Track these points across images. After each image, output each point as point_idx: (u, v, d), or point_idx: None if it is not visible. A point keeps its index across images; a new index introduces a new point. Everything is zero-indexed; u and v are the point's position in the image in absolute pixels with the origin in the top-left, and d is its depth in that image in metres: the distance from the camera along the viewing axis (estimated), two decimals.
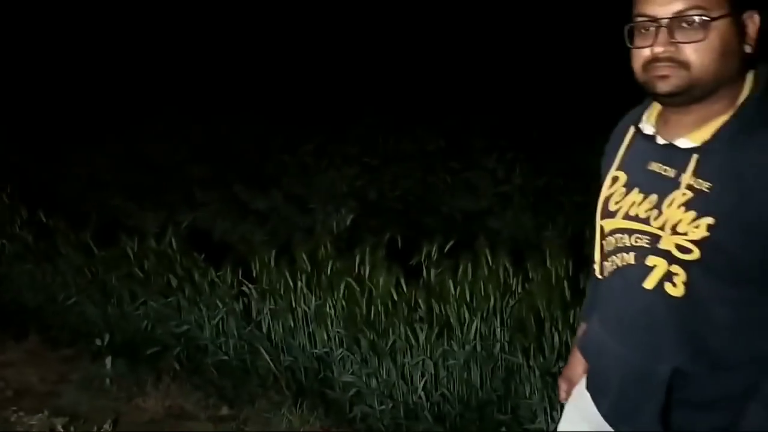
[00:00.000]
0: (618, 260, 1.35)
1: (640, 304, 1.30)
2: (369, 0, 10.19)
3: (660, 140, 1.32)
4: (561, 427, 1.63)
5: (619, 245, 1.34)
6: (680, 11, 1.20)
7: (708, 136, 1.23)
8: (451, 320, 3.12)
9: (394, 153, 7.03)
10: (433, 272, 3.47)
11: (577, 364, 1.64)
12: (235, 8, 11.08)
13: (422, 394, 3.10)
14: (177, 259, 3.85)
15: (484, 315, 3.11)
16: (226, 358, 3.64)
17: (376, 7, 10.24)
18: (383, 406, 3.17)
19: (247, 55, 10.65)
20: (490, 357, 3.08)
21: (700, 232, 1.20)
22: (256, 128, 8.47)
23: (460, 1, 9.81)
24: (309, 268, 3.53)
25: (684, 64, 1.21)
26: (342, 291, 3.37)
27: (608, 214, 1.37)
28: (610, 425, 1.43)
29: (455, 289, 3.17)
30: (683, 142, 1.27)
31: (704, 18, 1.19)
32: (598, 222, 1.41)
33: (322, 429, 3.08)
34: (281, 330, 3.57)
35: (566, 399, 1.65)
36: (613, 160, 1.41)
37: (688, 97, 1.24)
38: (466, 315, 3.09)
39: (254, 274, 3.67)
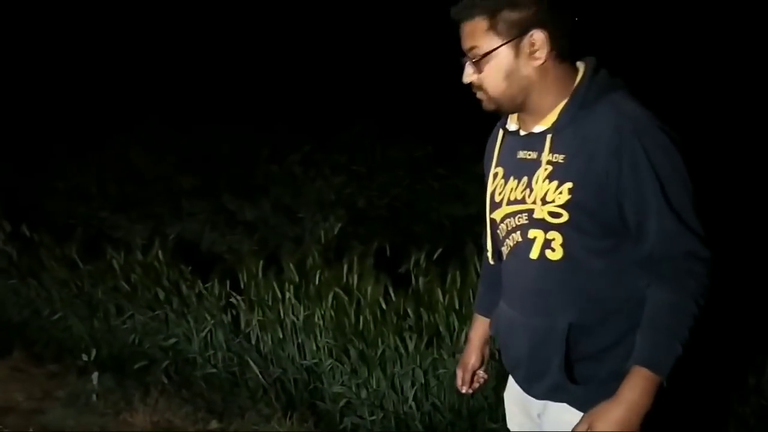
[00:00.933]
0: (510, 242, 1.55)
1: (531, 273, 1.51)
2: (354, 8, 10.19)
3: (521, 132, 1.55)
4: (508, 421, 1.79)
5: (509, 229, 1.54)
6: (468, 49, 1.48)
7: (555, 118, 1.47)
8: (441, 328, 3.09)
9: (382, 160, 7.02)
10: (421, 280, 3.45)
11: (471, 352, 1.85)
12: (222, 18, 11.05)
13: (413, 403, 3.07)
14: (164, 272, 3.81)
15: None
16: (214, 370, 3.60)
17: (361, 16, 10.25)
18: (374, 417, 3.14)
19: (234, 64, 10.61)
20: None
21: (564, 197, 1.41)
22: (244, 138, 8.43)
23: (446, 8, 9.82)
24: (297, 279, 3.50)
25: (483, 89, 1.50)
26: (330, 301, 3.34)
27: (496, 206, 1.57)
28: (525, 391, 1.62)
29: (444, 297, 3.15)
30: (539, 128, 1.50)
31: (482, 53, 1.46)
32: (488, 216, 1.61)
33: None
34: (270, 341, 3.53)
35: (462, 386, 1.84)
36: (491, 161, 1.63)
37: (504, 111, 1.55)
38: (456, 323, 3.06)
39: (242, 285, 3.63)
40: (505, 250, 1.59)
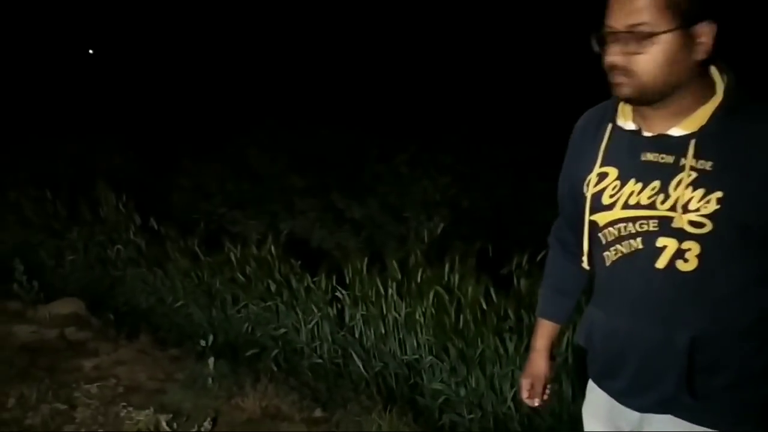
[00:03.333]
0: (623, 248, 1.44)
1: (654, 283, 1.40)
2: (464, 13, 10.18)
3: (647, 133, 1.42)
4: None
5: (623, 234, 1.43)
6: (631, 25, 1.32)
7: (702, 122, 1.35)
8: None
9: (488, 161, 6.99)
10: (523, 282, 3.44)
11: (542, 361, 1.76)
12: (334, 24, 11.36)
13: (512, 405, 3.07)
14: (276, 265, 4.01)
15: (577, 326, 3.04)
16: (320, 361, 3.76)
17: (468, 20, 10.23)
18: (472, 416, 3.17)
19: (346, 68, 10.89)
20: (583, 369, 3.01)
21: (712, 206, 1.32)
22: (353, 139, 8.66)
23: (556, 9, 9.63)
24: (400, 276, 3.59)
25: (632, 73, 1.34)
26: (431, 299, 3.40)
27: (603, 208, 1.46)
28: (623, 400, 1.53)
29: None
30: (676, 131, 1.37)
31: (650, 32, 1.31)
32: (588, 218, 1.50)
33: None
34: (372, 336, 3.64)
35: (533, 398, 1.76)
36: (591, 157, 1.50)
37: (642, 101, 1.38)
38: None
39: (347, 281, 3.76)
40: (611, 255, 1.47)
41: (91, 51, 16.58)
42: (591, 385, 1.66)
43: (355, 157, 8.09)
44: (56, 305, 4.49)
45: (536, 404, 1.77)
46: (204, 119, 9.65)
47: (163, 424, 3.06)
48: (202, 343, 3.98)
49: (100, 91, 11.41)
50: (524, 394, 1.78)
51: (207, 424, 3.06)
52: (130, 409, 3.30)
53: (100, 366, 3.79)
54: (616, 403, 1.56)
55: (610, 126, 1.49)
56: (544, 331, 1.77)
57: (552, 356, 1.77)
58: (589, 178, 1.50)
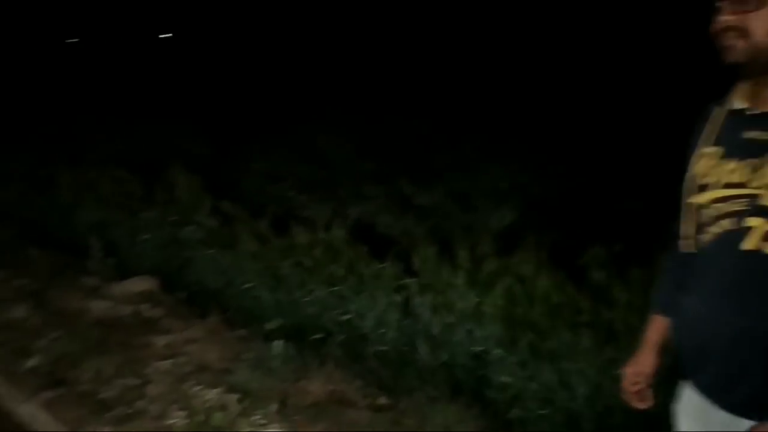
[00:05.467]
0: (716, 228, 1.38)
1: (741, 266, 1.34)
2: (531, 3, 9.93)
3: (753, 111, 1.37)
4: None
5: (717, 214, 1.38)
6: None
7: None
8: (619, 327, 2.94)
9: (561, 149, 6.78)
10: (599, 275, 3.31)
11: (651, 357, 1.69)
12: (404, 10, 11.28)
13: (584, 402, 2.96)
14: (343, 251, 3.99)
15: None
16: (385, 348, 3.71)
17: (542, 8, 9.97)
18: (542, 411, 3.07)
19: (415, 54, 10.81)
20: (668, 367, 2.87)
21: None
22: (421, 125, 8.58)
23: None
24: (469, 265, 3.51)
25: (745, 32, 1.29)
26: (502, 290, 3.30)
27: (701, 188, 1.42)
28: (712, 396, 1.44)
29: (624, 295, 2.99)
30: None
31: None
32: (689, 199, 1.45)
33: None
34: (439, 325, 3.57)
35: (638, 399, 1.68)
36: (700, 139, 1.47)
37: (755, 67, 1.32)
38: (635, 322, 2.90)
39: (415, 268, 3.71)
40: (705, 237, 1.41)
41: (165, 35, 17.04)
42: (683, 382, 1.58)
43: (422, 143, 8.01)
44: (130, 283, 4.62)
45: (642, 406, 1.69)
46: (275, 104, 9.76)
47: (233, 403, 3.10)
48: (269, 325, 4.02)
49: (174, 75, 11.70)
50: (631, 392, 1.71)
51: (274, 406, 3.08)
52: (200, 387, 3.35)
53: (171, 344, 3.88)
54: (708, 403, 1.46)
55: (722, 108, 1.46)
56: (658, 326, 1.69)
57: (661, 354, 1.69)
58: (693, 158, 1.47)
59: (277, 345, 3.67)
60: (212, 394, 3.27)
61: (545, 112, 8.13)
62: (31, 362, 3.68)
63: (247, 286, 4.40)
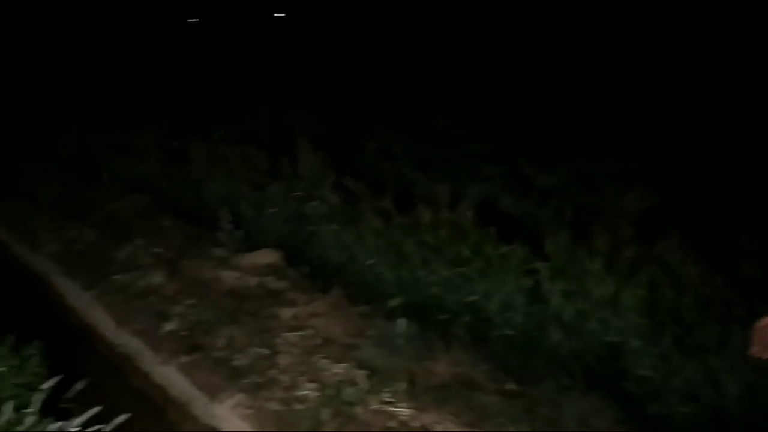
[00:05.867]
0: None
1: None
2: None
3: None
4: None
5: None
6: None
7: None
8: None
9: (698, 128, 6.33)
10: (750, 267, 3.05)
11: None
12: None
13: (736, 402, 2.75)
14: (469, 231, 3.90)
15: None
16: (511, 332, 3.62)
17: None
18: (685, 408, 2.88)
19: (536, 31, 10.46)
20: None
21: None
22: (542, 102, 8.29)
23: None
24: (608, 251, 3.33)
25: None
26: (644, 278, 3.11)
27: None
28: None
29: None
30: None
31: None
32: None
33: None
34: (571, 312, 3.43)
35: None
36: None
37: None
38: None
39: (547, 252, 3.57)
40: None
41: (281, 14, 17.42)
42: None
43: (544, 122, 7.73)
44: (256, 255, 4.74)
45: None
46: (390, 82, 9.73)
47: (362, 380, 3.10)
48: (391, 302, 4.00)
49: (294, 53, 11.92)
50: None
51: (403, 385, 3.05)
52: (328, 360, 3.39)
53: (297, 316, 3.95)
54: None
55: None
56: None
57: None
58: None
59: (401, 323, 3.64)
60: (340, 369, 3.29)
61: (674, 91, 7.63)
62: (169, 327, 3.85)
63: (369, 262, 4.41)
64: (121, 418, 2.82)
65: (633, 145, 6.48)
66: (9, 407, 2.67)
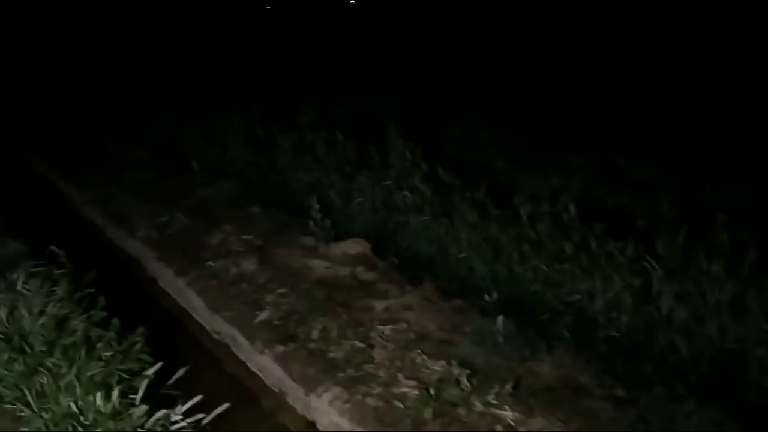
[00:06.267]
0: None
1: None
2: None
3: None
4: None
5: None
6: None
7: None
8: None
9: None
10: None
11: None
12: None
13: None
14: (573, 226, 3.72)
15: None
16: (617, 334, 3.43)
17: None
18: None
19: (629, 21, 10.03)
20: None
21: None
22: (631, 91, 7.94)
23: None
24: (728, 251, 3.10)
25: None
26: None
27: None
28: None
29: None
30: None
31: None
32: None
33: None
34: (685, 315, 3.22)
35: None
36: None
37: None
38: None
39: (659, 251, 3.36)
40: None
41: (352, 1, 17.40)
42: None
43: (633, 111, 7.40)
44: (345, 244, 4.69)
45: None
46: (473, 70, 9.54)
47: (463, 378, 3.00)
48: (486, 297, 3.87)
49: (377, 40, 11.85)
50: None
51: (509, 387, 2.93)
52: (425, 357, 3.30)
53: (389, 308, 3.87)
54: None
55: None
56: None
57: None
58: None
59: (499, 320, 3.50)
60: (438, 366, 3.19)
61: None
62: (263, 316, 3.84)
63: (461, 255, 4.29)
64: (221, 408, 2.81)
65: (732, 136, 6.12)
66: (115, 394, 2.70)
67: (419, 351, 3.36)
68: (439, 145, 7.15)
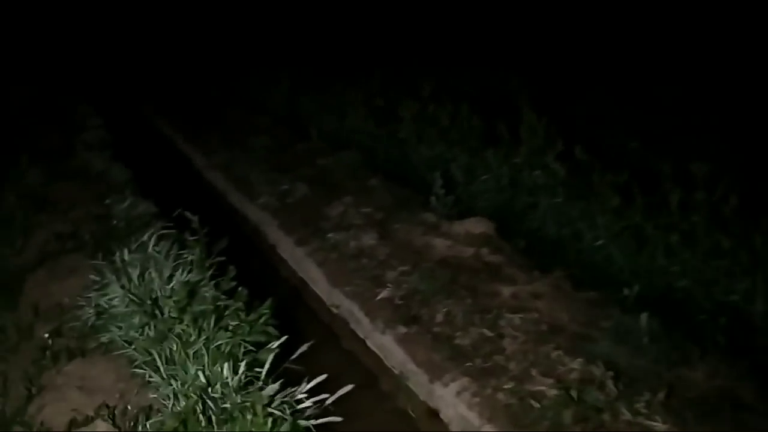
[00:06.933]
0: None
1: None
2: None
3: None
4: None
5: None
6: None
7: None
8: None
9: None
10: None
11: None
12: None
13: None
14: (732, 218, 3.33)
15: None
16: None
17: None
18: None
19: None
20: None
21: None
22: None
23: None
24: None
25: None
26: None
27: None
28: None
29: None
30: None
31: None
32: None
33: None
34: None
35: None
36: None
37: None
38: None
39: None
40: None
41: None
42: None
43: None
44: (467, 223, 4.46)
45: None
46: (604, 46, 8.97)
47: (608, 382, 2.73)
48: (625, 291, 3.55)
49: (503, 13, 11.39)
50: None
51: (661, 395, 2.63)
52: (560, 352, 3.05)
53: (517, 295, 3.63)
54: None
55: None
56: None
57: None
58: None
59: (643, 318, 3.19)
60: (576, 364, 2.94)
61: None
62: (384, 293, 3.70)
63: (598, 243, 3.98)
64: (344, 390, 2.70)
65: None
66: (242, 367, 2.64)
67: (553, 345, 3.11)
68: (573, 122, 6.75)
